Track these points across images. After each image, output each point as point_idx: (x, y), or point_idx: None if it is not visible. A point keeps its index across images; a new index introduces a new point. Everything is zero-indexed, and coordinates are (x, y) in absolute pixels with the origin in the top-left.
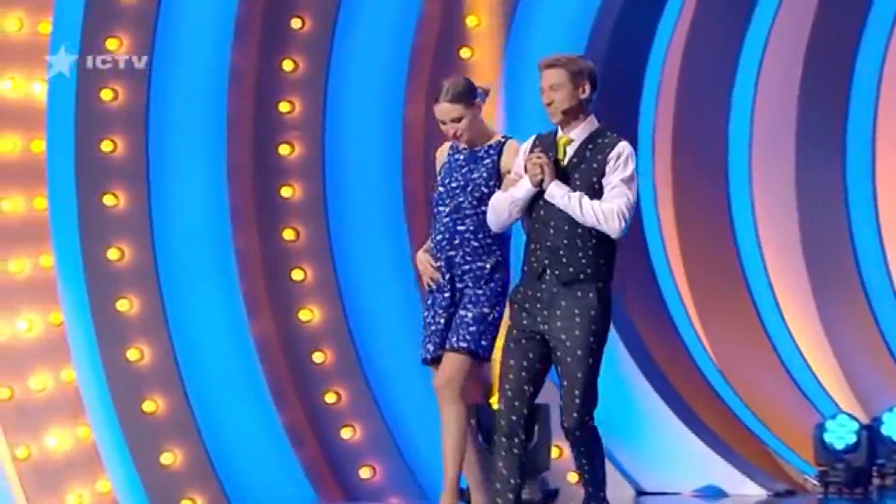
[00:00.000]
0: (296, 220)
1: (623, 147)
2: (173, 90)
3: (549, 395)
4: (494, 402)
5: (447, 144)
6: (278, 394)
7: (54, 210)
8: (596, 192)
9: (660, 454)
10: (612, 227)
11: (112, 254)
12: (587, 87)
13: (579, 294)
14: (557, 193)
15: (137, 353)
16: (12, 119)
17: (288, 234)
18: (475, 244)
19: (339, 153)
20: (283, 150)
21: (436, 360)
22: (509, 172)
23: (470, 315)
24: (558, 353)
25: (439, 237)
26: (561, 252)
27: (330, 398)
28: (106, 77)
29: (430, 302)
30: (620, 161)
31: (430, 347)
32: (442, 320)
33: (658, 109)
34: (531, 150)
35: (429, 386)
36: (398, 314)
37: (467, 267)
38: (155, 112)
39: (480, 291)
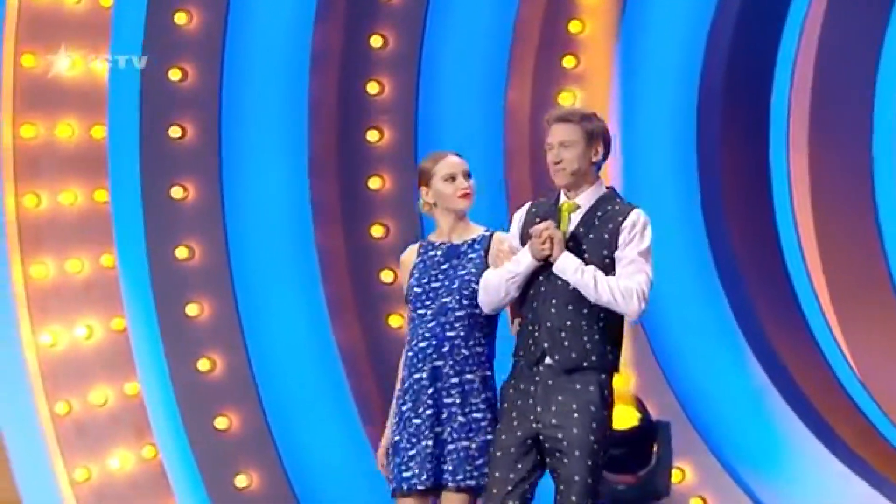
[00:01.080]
0: (385, 216)
1: (638, 215)
2: (249, 69)
3: (670, 411)
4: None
5: (415, 246)
6: (365, 407)
7: (116, 203)
8: (606, 267)
9: (794, 476)
10: (632, 308)
11: (181, 252)
12: (601, 150)
13: (578, 387)
14: (569, 267)
15: (209, 364)
16: (70, 102)
17: (376, 231)
18: (465, 353)
19: (433, 140)
20: (371, 136)
21: (415, 492)
22: None
23: (474, 445)
24: (555, 454)
25: (423, 344)
26: (563, 334)
27: None
28: (175, 54)
29: (401, 422)
30: (636, 231)
31: (420, 474)
32: (429, 442)
33: (792, 107)
34: (529, 218)
35: None
36: None
37: (456, 380)
38: (228, 94)
39: (479, 415)
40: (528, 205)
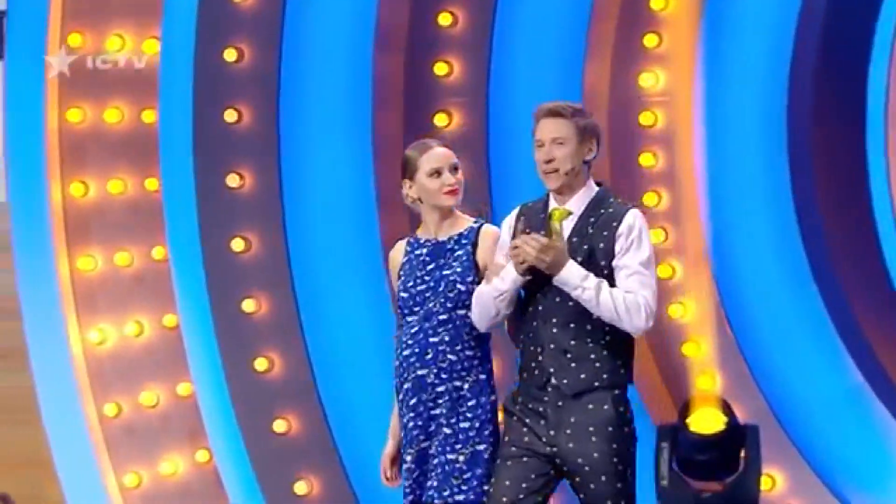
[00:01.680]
0: None
1: (634, 217)
2: (309, 49)
3: (758, 414)
4: (696, 423)
5: (402, 242)
6: None
7: (168, 192)
8: (605, 279)
9: (893, 483)
10: (637, 324)
11: (236, 244)
12: (594, 147)
13: (591, 406)
14: (573, 279)
15: (266, 363)
16: (119, 84)
17: None
18: (452, 358)
19: (505, 125)
20: (440, 120)
21: None
22: (486, 268)
23: (461, 458)
24: (577, 480)
25: (406, 352)
26: (569, 356)
27: None
28: (230, 33)
29: (406, 436)
30: (633, 237)
31: (408, 494)
32: (408, 457)
33: (890, 86)
34: (519, 226)
35: None
36: None
37: (442, 388)
38: (287, 75)
39: (467, 425)
40: (517, 209)
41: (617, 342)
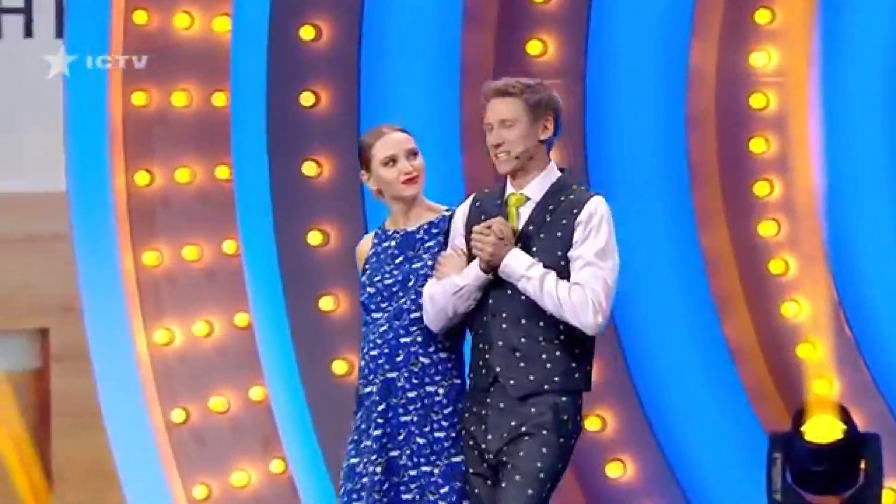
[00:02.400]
0: None
1: (595, 205)
2: (391, 26)
3: (880, 421)
4: (811, 432)
5: (370, 234)
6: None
7: (240, 182)
8: (562, 270)
9: None
10: (584, 320)
11: (313, 238)
12: (550, 125)
13: (533, 410)
14: (517, 268)
15: (345, 366)
16: (188, 65)
17: None
18: (424, 361)
19: (603, 108)
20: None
21: None
22: None
23: (437, 470)
24: (501, 481)
25: (374, 352)
26: (518, 354)
27: None
28: (306, 10)
29: (355, 437)
30: (592, 225)
31: None
32: (378, 468)
33: None
34: (473, 214)
35: None
36: None
37: (413, 394)
38: (368, 55)
39: (442, 434)
40: (472, 197)
41: (572, 343)
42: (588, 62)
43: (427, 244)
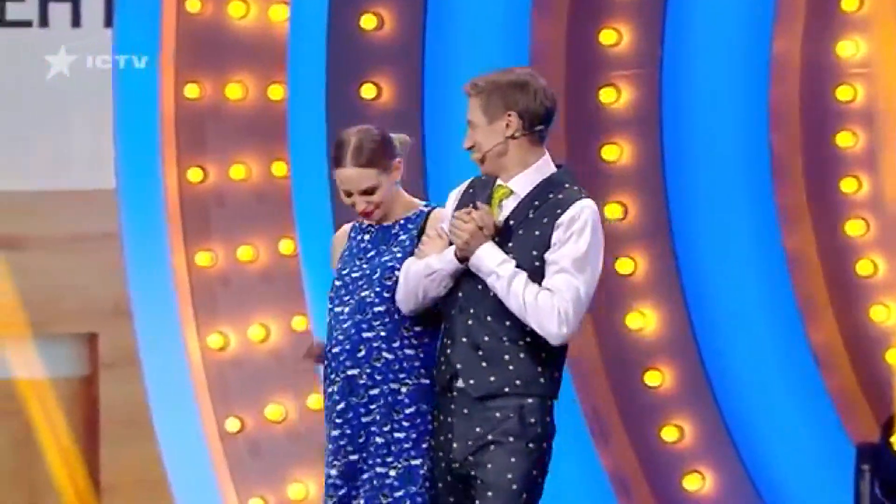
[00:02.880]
0: (624, 192)
1: (581, 208)
2: (458, 14)
3: None
4: None
5: (348, 226)
6: None
7: (298, 178)
8: (535, 271)
9: None
10: (548, 328)
11: None
12: (514, 120)
13: (497, 415)
14: (487, 262)
15: None
16: (243, 56)
17: None
18: (387, 357)
19: (681, 100)
20: (606, 95)
21: None
22: None
23: (393, 472)
24: (472, 494)
25: (336, 349)
26: (480, 353)
27: None
28: None
29: (330, 446)
30: (574, 230)
31: None
32: (332, 471)
33: None
34: (465, 199)
35: None
36: None
37: (376, 391)
38: (433, 45)
39: (402, 435)
40: (469, 180)
41: (539, 347)
42: (665, 52)
43: (400, 238)
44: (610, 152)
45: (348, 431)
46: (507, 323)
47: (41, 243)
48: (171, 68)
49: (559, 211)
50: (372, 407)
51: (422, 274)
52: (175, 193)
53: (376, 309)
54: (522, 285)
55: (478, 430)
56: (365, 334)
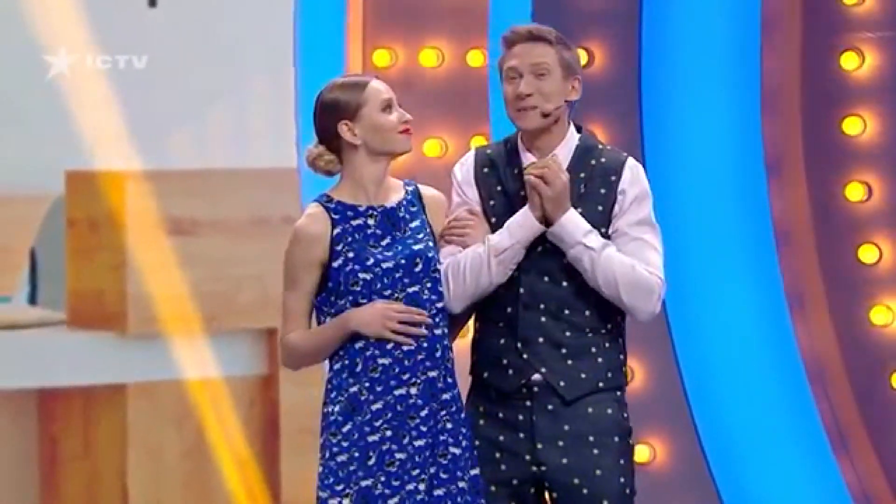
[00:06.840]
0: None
1: (634, 168)
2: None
3: None
4: None
5: (317, 209)
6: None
7: None
8: None
9: None
10: (642, 306)
11: None
12: (578, 86)
13: (591, 410)
14: (573, 231)
15: None
16: (438, 18)
17: None
18: (452, 357)
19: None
20: (848, 61)
21: None
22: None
23: (462, 485)
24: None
25: (408, 348)
26: (564, 350)
27: None
28: None
29: (376, 459)
30: (637, 194)
31: None
32: (420, 486)
33: None
34: (480, 172)
35: None
36: None
37: (448, 396)
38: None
39: (458, 451)
40: (471, 153)
41: (620, 331)
42: None
43: (412, 224)
44: (852, 125)
45: (431, 441)
46: (587, 313)
47: (216, 229)
48: (357, 35)
49: (613, 178)
50: (442, 415)
51: (484, 258)
52: None
53: (437, 305)
54: (617, 258)
55: (567, 427)
56: (436, 331)
